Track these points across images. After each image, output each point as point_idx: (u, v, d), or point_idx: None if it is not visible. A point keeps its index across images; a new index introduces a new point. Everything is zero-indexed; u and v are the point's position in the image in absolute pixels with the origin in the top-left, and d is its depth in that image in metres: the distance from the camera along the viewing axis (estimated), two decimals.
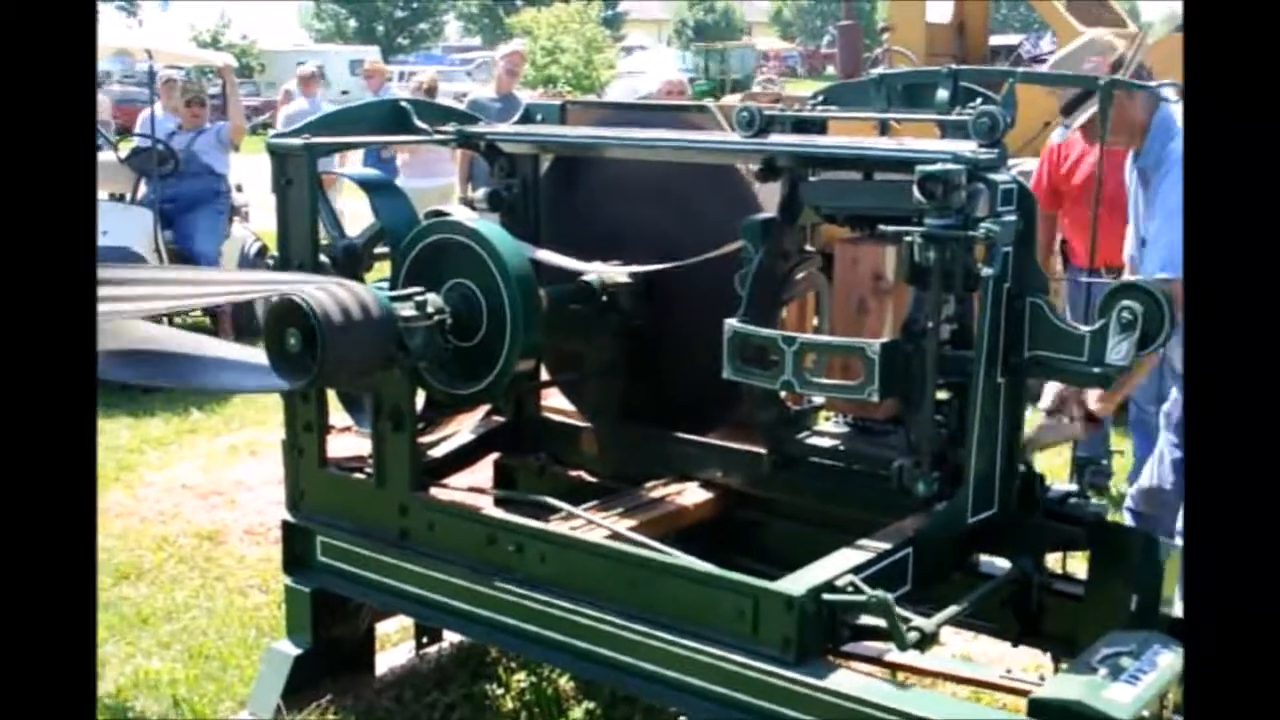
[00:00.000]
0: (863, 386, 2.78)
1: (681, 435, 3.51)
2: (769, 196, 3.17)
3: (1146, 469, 4.19)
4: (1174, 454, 3.87)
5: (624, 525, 3.21)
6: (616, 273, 3.46)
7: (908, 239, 2.67)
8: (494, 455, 3.94)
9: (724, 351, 2.94)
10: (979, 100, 2.84)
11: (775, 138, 3.08)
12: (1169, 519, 3.91)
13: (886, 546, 2.82)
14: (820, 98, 3.30)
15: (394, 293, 3.10)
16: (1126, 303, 2.59)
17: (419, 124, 3.66)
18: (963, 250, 2.66)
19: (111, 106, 17.23)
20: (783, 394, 3.10)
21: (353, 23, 60.31)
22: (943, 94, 2.96)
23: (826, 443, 3.20)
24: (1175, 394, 3.90)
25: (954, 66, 3.08)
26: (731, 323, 2.95)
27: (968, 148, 2.72)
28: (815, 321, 3.39)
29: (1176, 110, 3.69)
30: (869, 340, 2.80)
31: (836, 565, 2.72)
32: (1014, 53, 11.68)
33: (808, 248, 3.19)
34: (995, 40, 11.47)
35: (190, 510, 5.60)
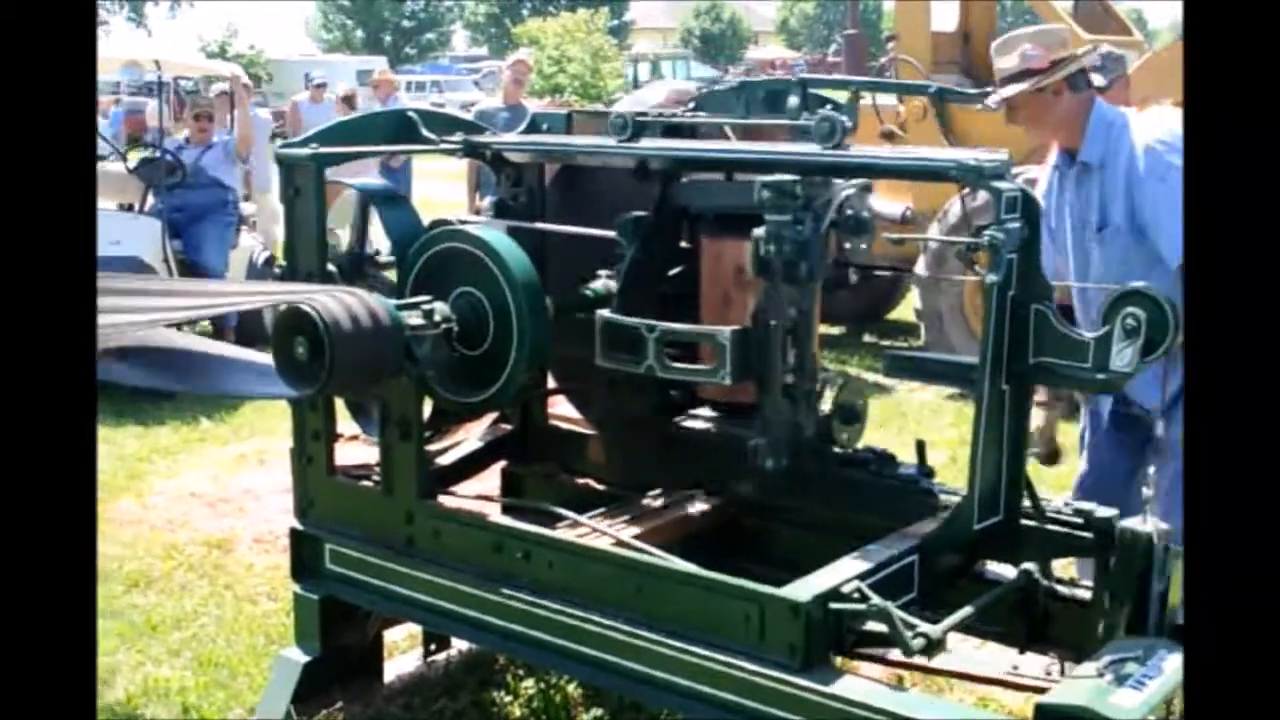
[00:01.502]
0: (716, 370, 2.96)
1: (688, 443, 3.51)
2: None
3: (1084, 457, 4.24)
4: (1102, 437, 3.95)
5: (631, 532, 3.22)
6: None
7: (754, 235, 2.87)
8: (501, 463, 3.95)
9: (596, 341, 3.11)
10: (828, 106, 3.06)
11: (646, 141, 3.30)
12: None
13: (893, 553, 2.83)
14: (692, 104, 3.54)
15: (401, 301, 3.11)
16: (1130, 309, 2.61)
17: (426, 134, 3.68)
18: (804, 245, 2.85)
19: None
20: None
21: (360, 33, 60.45)
22: (793, 100, 3.19)
23: (699, 425, 3.43)
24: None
25: (803, 76, 3.32)
26: (603, 313, 3.12)
27: (972, 155, 2.74)
28: None
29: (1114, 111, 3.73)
30: (720, 328, 2.97)
31: (843, 572, 2.73)
32: None
33: (683, 244, 3.36)
34: None
35: (199, 519, 5.62)
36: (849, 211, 2.93)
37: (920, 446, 3.23)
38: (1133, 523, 2.67)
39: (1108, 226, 3.61)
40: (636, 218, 3.27)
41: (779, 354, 2.93)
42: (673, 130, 3.42)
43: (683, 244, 3.40)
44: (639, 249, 3.24)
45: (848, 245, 2.99)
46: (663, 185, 3.31)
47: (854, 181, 2.97)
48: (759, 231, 2.87)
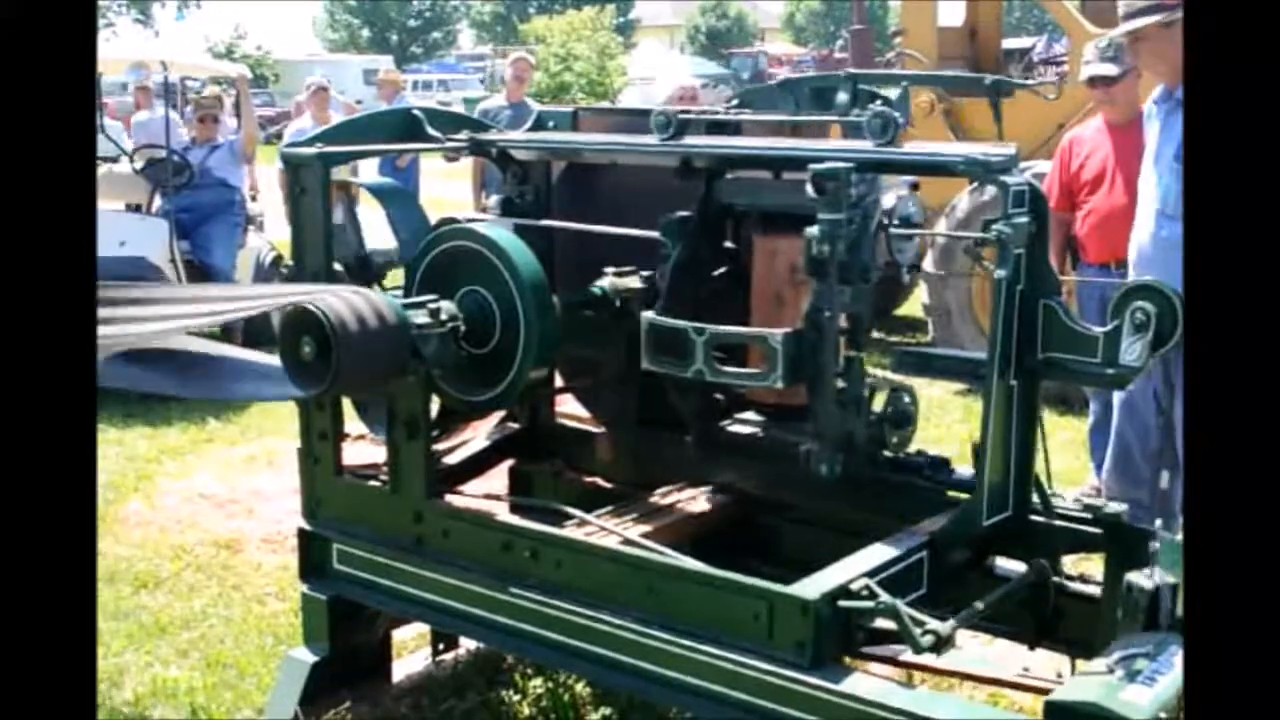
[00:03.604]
0: (767, 374, 2.86)
1: (696, 440, 3.50)
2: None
3: (1111, 449, 4.34)
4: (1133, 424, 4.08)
5: (639, 531, 3.21)
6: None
7: (807, 233, 2.76)
8: (509, 462, 3.94)
9: (642, 343, 3.03)
10: (877, 102, 2.97)
11: (690, 139, 3.21)
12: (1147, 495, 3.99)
13: (902, 550, 2.82)
14: (735, 101, 3.46)
15: (408, 300, 3.10)
16: (1139, 303, 2.59)
17: (431, 132, 3.68)
18: (857, 244, 2.77)
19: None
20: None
21: (366, 32, 60.52)
22: (843, 97, 3.11)
23: (745, 430, 3.32)
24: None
25: (851, 71, 3.26)
26: (648, 315, 3.03)
27: (979, 150, 2.73)
28: None
29: None
30: (772, 330, 2.87)
31: (852, 569, 2.72)
32: (1027, 55, 11.65)
33: (727, 244, 3.29)
34: (1008, 43, 11.43)
35: (208, 519, 5.62)
36: (899, 211, 2.87)
37: (976, 452, 3.06)
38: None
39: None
40: (681, 218, 3.18)
41: (833, 357, 2.85)
42: (717, 128, 3.33)
43: (727, 244, 3.31)
44: (683, 249, 3.15)
45: (898, 248, 2.93)
46: (707, 184, 3.21)
47: (905, 179, 2.91)
48: (812, 230, 2.77)
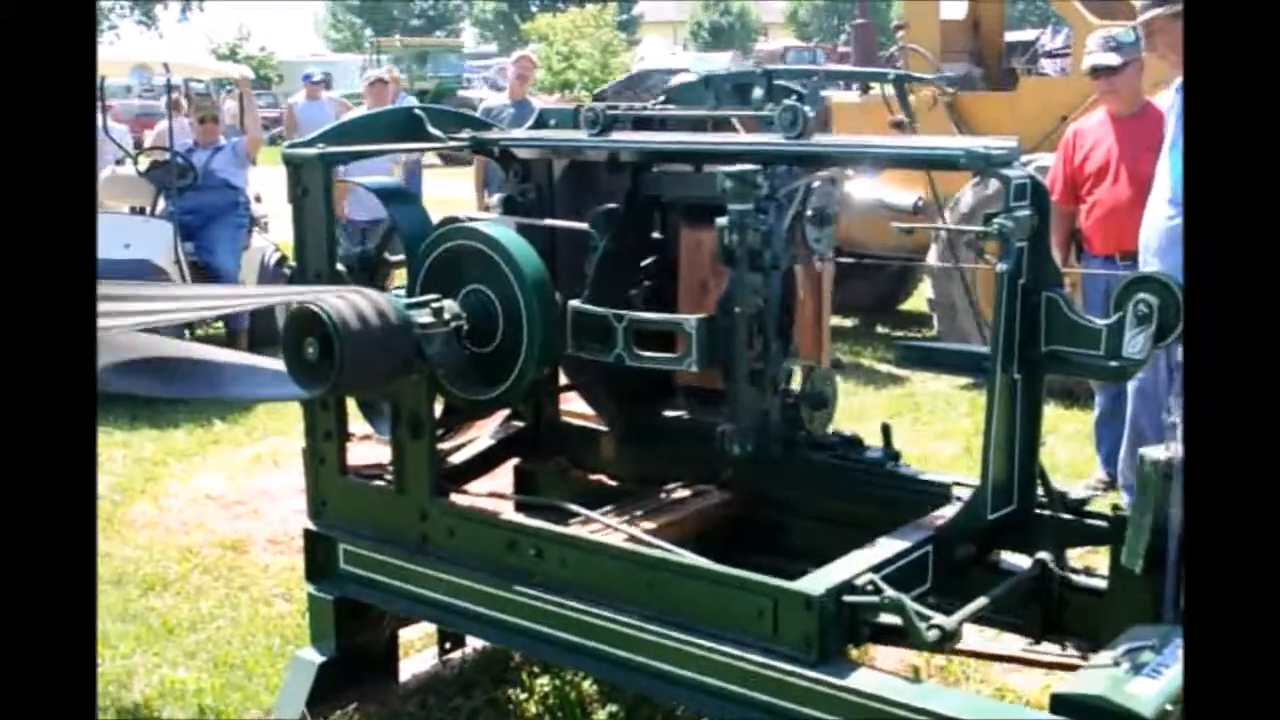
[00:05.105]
0: (683, 358, 2.99)
1: (700, 437, 3.50)
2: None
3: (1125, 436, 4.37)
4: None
5: (644, 528, 3.21)
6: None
7: (718, 224, 2.90)
8: (514, 460, 3.94)
9: (567, 330, 3.15)
10: (793, 97, 3.08)
11: (617, 134, 3.32)
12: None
13: (907, 544, 2.82)
14: (662, 98, 3.57)
15: (411, 300, 3.11)
16: (1142, 295, 2.59)
17: (433, 131, 3.68)
18: (768, 234, 2.91)
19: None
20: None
21: (369, 31, 60.55)
22: (758, 92, 3.22)
23: (669, 412, 3.51)
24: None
25: (767, 68, 3.36)
26: (573, 303, 3.17)
27: (980, 144, 2.73)
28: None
29: None
30: (687, 316, 3.03)
31: (856, 564, 2.72)
32: (1030, 48, 11.62)
33: (655, 235, 3.41)
34: (1012, 36, 11.40)
35: (214, 520, 5.63)
36: (814, 203, 3.02)
37: (885, 430, 3.29)
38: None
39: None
40: (609, 210, 3.31)
41: (745, 341, 2.97)
42: (643, 123, 3.43)
43: (655, 235, 3.43)
44: (610, 240, 3.27)
45: (813, 237, 3.07)
46: (634, 177, 3.34)
47: (821, 173, 3.02)
48: (723, 220, 2.90)
